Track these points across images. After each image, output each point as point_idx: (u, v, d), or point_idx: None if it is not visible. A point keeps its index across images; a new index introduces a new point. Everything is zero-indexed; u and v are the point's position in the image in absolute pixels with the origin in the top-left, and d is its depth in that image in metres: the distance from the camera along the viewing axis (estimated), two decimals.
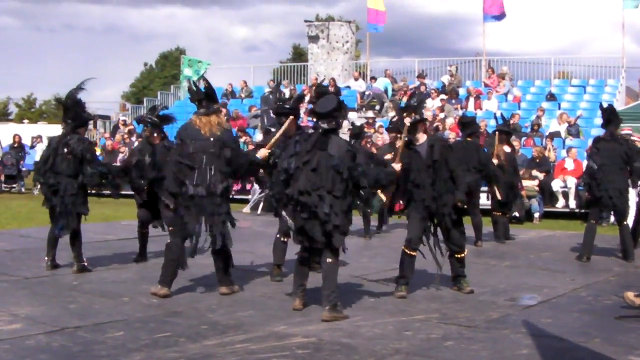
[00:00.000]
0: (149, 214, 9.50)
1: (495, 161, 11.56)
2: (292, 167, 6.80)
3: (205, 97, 7.69)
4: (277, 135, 7.86)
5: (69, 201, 8.61)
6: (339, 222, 6.64)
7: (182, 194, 7.43)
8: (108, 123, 29.21)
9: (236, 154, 7.64)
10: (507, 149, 12.40)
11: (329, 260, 6.71)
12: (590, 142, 18.35)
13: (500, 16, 24.86)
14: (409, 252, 7.76)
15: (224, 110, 7.71)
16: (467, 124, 11.14)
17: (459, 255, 7.94)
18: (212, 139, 7.44)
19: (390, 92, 24.69)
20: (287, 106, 8.26)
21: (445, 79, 24.86)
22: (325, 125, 6.82)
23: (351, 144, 6.85)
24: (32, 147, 24.55)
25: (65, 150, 8.59)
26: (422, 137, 7.85)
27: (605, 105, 11.00)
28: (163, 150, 9.00)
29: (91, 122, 33.81)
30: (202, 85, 7.87)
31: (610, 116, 10.39)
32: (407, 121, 7.76)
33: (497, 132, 12.35)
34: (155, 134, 9.34)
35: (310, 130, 7.03)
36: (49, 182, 8.67)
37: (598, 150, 10.27)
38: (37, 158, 23.36)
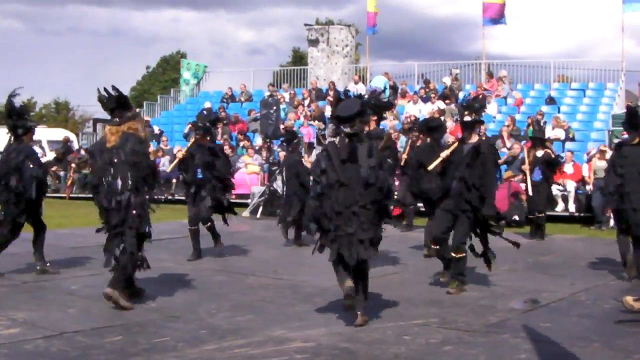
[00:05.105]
0: (197, 212, 10.25)
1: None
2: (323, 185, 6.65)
3: (116, 106, 7.41)
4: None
5: (8, 212, 8.69)
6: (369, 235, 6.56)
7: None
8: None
9: (140, 159, 7.29)
10: (539, 153, 13.24)
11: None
12: (589, 145, 18.56)
13: (499, 20, 24.80)
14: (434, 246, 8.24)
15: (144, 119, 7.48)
16: (434, 128, 11.00)
17: (455, 255, 8.04)
18: (115, 149, 7.24)
19: (388, 91, 24.64)
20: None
21: (447, 80, 24.79)
22: (347, 130, 6.65)
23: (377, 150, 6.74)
24: None
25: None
26: (474, 138, 8.08)
27: (632, 106, 10.32)
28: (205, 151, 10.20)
29: (88, 124, 33.65)
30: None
31: (638, 120, 9.25)
32: (467, 119, 8.04)
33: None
34: (207, 138, 10.48)
35: (335, 139, 6.90)
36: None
37: (623, 157, 9.09)
38: None
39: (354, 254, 6.44)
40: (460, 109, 8.50)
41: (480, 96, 8.65)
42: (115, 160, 7.20)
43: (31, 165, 8.60)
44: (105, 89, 7.45)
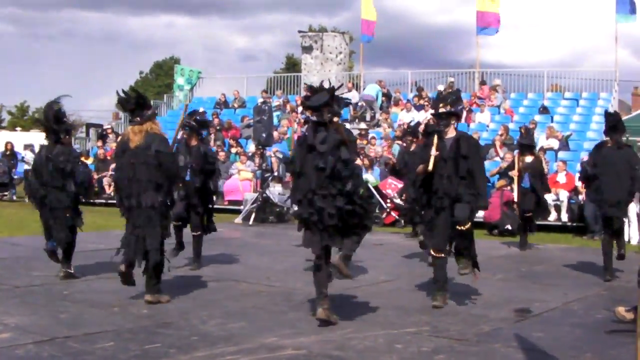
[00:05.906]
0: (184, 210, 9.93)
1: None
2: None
3: (136, 107, 7.60)
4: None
5: (59, 215, 8.63)
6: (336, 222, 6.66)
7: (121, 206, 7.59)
8: (100, 131, 29.17)
9: (165, 159, 7.49)
10: (528, 159, 13.30)
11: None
12: (582, 155, 18.59)
13: (493, 29, 24.85)
14: (437, 255, 7.79)
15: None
16: (429, 134, 11.08)
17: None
18: (140, 149, 7.40)
19: (380, 100, 24.65)
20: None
21: (440, 87, 24.80)
22: (314, 118, 6.85)
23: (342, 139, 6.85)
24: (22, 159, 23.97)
25: (51, 164, 8.60)
26: (452, 132, 7.87)
27: (610, 111, 10.79)
28: (198, 152, 9.80)
29: (81, 130, 33.75)
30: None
31: (617, 123, 9.79)
32: (442, 110, 7.86)
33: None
34: (193, 138, 9.97)
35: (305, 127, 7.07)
36: (38, 195, 8.72)
37: (600, 156, 9.70)
38: (27, 167, 23.23)
39: (324, 239, 6.69)
40: (435, 102, 8.43)
41: (456, 89, 8.78)
42: (140, 161, 7.36)
43: (80, 167, 8.83)
44: (123, 91, 7.69)
